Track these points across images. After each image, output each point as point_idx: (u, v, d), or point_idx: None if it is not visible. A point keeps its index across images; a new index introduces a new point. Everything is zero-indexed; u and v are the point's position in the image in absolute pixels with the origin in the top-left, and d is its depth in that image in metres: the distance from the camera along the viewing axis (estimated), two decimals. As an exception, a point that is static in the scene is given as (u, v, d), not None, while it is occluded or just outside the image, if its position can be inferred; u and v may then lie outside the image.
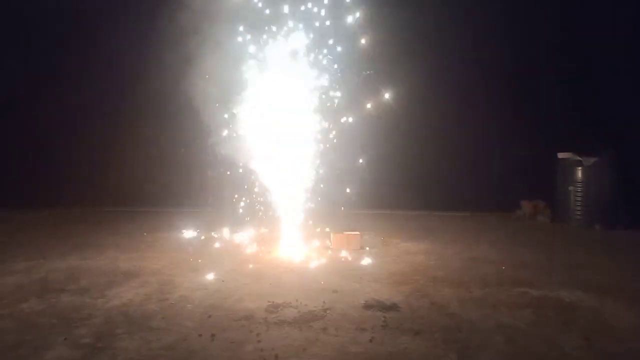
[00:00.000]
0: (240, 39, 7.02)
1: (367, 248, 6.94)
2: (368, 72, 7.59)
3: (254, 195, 7.30)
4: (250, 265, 6.13)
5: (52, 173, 10.21)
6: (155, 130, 9.67)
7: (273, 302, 4.80)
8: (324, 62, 7.09)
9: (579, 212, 8.61)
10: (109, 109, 10.29)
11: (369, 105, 7.49)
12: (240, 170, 7.08)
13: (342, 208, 7.42)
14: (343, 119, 7.21)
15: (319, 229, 7.39)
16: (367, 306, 4.73)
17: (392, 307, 4.70)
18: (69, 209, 10.01)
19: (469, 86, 9.40)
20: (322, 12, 7.01)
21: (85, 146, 10.40)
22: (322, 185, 7.03)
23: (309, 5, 7.02)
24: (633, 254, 7.02)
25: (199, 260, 6.31)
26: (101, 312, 4.52)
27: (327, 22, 7.04)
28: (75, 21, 9.71)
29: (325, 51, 7.09)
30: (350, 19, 7.06)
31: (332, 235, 7.01)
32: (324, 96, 7.07)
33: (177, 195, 9.42)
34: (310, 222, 7.14)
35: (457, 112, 9.27)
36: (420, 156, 9.33)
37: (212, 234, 7.64)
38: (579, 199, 8.63)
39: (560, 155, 8.87)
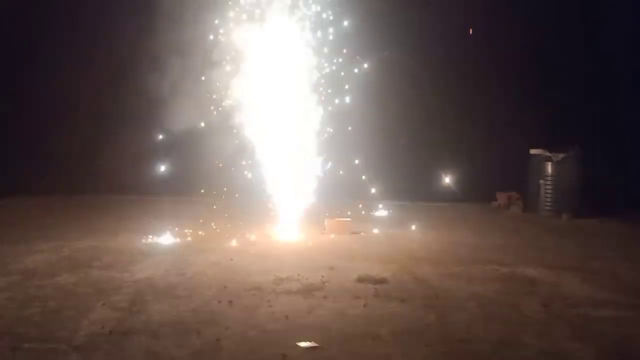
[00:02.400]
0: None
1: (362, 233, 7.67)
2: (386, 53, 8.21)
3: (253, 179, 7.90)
4: (255, 245, 6.82)
5: (52, 161, 10.54)
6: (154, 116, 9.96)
7: (278, 276, 5.50)
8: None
9: (548, 203, 9.46)
10: (105, 98, 10.45)
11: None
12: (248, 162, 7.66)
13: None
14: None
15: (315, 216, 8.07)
16: (360, 280, 5.47)
17: (382, 281, 5.44)
18: (71, 196, 10.42)
19: (452, 83, 10.13)
20: None
21: (84, 134, 10.68)
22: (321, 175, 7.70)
23: None
24: (593, 239, 7.88)
25: (207, 243, 6.97)
26: (129, 283, 5.17)
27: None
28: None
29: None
30: None
31: (326, 220, 7.71)
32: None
33: (182, 182, 9.89)
34: (308, 208, 7.82)
35: (440, 109, 10.02)
36: (404, 149, 10.05)
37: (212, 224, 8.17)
38: (548, 191, 9.47)
39: (532, 151, 9.71)
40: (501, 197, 10.09)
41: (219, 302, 4.72)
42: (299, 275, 5.56)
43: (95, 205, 9.56)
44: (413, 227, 8.23)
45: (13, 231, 7.34)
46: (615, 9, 9.99)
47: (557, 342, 4.08)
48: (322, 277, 5.52)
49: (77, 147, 10.49)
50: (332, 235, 7.52)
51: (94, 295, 4.82)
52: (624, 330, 4.34)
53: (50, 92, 10.29)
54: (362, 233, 7.72)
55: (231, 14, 7.53)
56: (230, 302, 4.71)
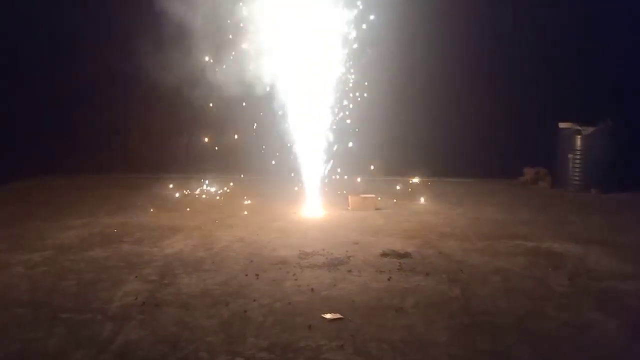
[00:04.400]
0: None
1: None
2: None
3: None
4: (280, 222, 6.93)
5: (79, 140, 10.73)
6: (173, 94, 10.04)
7: (303, 251, 5.59)
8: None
9: (577, 178, 9.29)
10: (127, 76, 10.49)
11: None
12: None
13: (359, 179, 8.15)
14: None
15: (338, 192, 8.13)
16: (384, 254, 5.52)
17: (405, 255, 5.48)
18: (99, 175, 10.65)
19: (476, 59, 9.92)
20: None
21: (107, 115, 10.82)
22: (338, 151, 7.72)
23: None
24: (621, 214, 7.74)
25: (233, 219, 7.10)
26: (159, 257, 5.34)
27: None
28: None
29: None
30: None
31: (349, 197, 7.76)
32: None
33: (204, 160, 10.06)
34: (331, 185, 7.87)
35: (466, 85, 9.83)
36: (431, 125, 9.92)
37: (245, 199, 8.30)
38: (577, 165, 9.29)
39: (561, 125, 9.49)
40: (529, 173, 9.94)
41: (246, 275, 4.84)
42: (323, 250, 5.64)
43: (123, 185, 9.77)
44: (437, 204, 8.19)
45: (44, 209, 7.59)
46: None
47: (580, 314, 4.08)
48: (347, 251, 5.59)
49: (104, 126, 10.64)
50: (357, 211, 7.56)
51: (125, 268, 5.00)
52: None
53: (75, 73, 10.40)
54: (386, 209, 7.73)
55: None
56: (256, 275, 4.83)
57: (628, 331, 3.81)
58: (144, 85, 9.56)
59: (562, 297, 4.43)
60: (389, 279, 4.78)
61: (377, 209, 7.69)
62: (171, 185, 9.16)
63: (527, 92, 9.85)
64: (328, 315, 3.99)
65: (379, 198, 8.00)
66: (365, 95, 8.00)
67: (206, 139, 10.10)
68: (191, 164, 10.22)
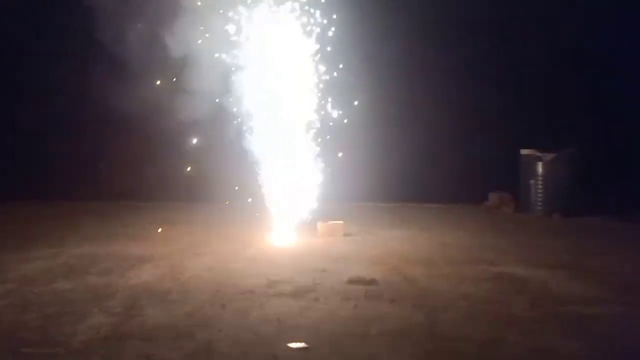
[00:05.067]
0: None
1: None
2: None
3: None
4: (248, 250, 6.92)
5: (48, 168, 10.58)
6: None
7: (271, 279, 5.60)
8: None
9: (539, 203, 9.59)
10: (97, 101, 10.42)
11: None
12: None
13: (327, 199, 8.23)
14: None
15: (307, 219, 8.16)
16: (351, 282, 5.56)
17: (372, 282, 5.54)
18: (67, 202, 10.43)
19: (442, 86, 10.25)
20: None
21: (75, 142, 10.73)
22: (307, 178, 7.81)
23: None
24: (583, 238, 7.99)
25: (202, 247, 7.06)
26: (125, 288, 5.26)
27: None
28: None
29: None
30: None
31: (318, 224, 7.81)
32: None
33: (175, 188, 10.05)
34: (299, 212, 7.90)
35: (433, 114, 10.12)
36: (396, 151, 10.12)
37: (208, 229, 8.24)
38: (539, 190, 9.60)
39: (523, 151, 9.83)
40: (493, 198, 10.21)
41: (212, 305, 4.81)
42: (291, 278, 5.66)
43: (91, 212, 9.61)
44: (404, 229, 8.32)
45: (11, 239, 7.41)
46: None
47: (546, 339, 4.18)
48: (314, 279, 5.62)
49: (74, 153, 10.55)
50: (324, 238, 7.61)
51: (90, 300, 4.91)
52: (615, 328, 4.43)
53: (46, 98, 10.32)
54: (355, 236, 7.80)
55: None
56: (223, 305, 4.81)
57: (593, 357, 3.91)
58: (114, 114, 9.57)
59: (525, 322, 4.53)
60: (354, 307, 4.83)
61: (345, 235, 7.75)
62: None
63: (491, 121, 10.18)
64: (293, 345, 3.99)
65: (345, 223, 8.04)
66: (331, 124, 8.11)
67: (187, 168, 10.02)
68: (162, 191, 10.15)
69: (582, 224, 8.93)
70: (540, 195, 9.58)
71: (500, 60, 10.26)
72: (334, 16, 7.71)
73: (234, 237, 7.63)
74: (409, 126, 10.15)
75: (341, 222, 7.89)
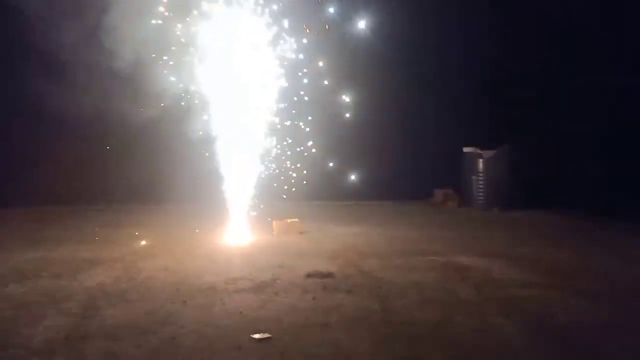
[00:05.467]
0: None
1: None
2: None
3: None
4: (204, 248, 6.96)
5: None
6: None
7: (230, 276, 5.69)
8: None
9: (480, 197, 10.15)
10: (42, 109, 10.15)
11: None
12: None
13: (284, 196, 8.39)
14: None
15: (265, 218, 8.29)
16: (309, 276, 5.75)
17: (329, 275, 5.75)
18: (13, 208, 10.10)
19: (392, 89, 10.63)
20: None
21: (21, 146, 10.42)
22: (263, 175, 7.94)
23: None
24: (520, 229, 8.58)
25: (156, 248, 7.03)
26: (80, 290, 5.21)
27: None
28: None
29: None
30: None
31: (274, 222, 7.95)
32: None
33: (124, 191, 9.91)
34: (254, 211, 8.02)
35: (382, 116, 10.48)
36: (348, 152, 10.43)
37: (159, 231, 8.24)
38: (480, 186, 10.16)
39: (465, 149, 10.38)
40: (438, 194, 10.71)
41: (173, 303, 4.86)
42: (249, 274, 5.78)
43: (35, 218, 9.31)
44: (357, 226, 8.61)
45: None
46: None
47: (486, 319, 4.54)
48: (273, 274, 5.77)
49: (16, 157, 10.17)
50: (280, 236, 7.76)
51: (45, 303, 4.83)
52: (544, 307, 4.86)
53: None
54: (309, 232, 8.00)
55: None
56: (184, 302, 4.87)
57: (527, 332, 4.29)
58: (56, 117, 9.31)
59: (470, 305, 4.89)
60: (313, 299, 5.02)
61: (301, 232, 7.94)
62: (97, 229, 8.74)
63: (436, 121, 10.68)
64: (257, 336, 4.13)
65: (300, 221, 8.23)
66: (288, 123, 8.28)
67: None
68: (112, 194, 9.96)
69: (517, 217, 9.54)
70: (481, 190, 10.15)
71: (443, 63, 10.79)
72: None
73: (188, 237, 7.63)
74: (360, 128, 10.42)
75: (296, 220, 8.06)
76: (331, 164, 9.41)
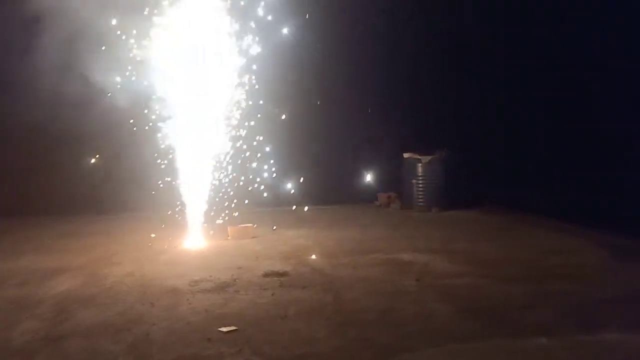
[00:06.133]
0: None
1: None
2: None
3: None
4: (164, 254, 7.30)
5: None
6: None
7: (192, 279, 6.10)
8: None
9: (420, 199, 10.97)
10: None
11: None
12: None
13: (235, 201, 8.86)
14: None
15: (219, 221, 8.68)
16: (266, 275, 6.26)
17: (284, 274, 6.28)
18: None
19: (337, 102, 11.23)
20: None
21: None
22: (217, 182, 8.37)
23: None
24: (457, 227, 9.40)
25: (117, 256, 7.29)
26: (49, 297, 5.47)
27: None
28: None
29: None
30: None
31: (229, 227, 8.38)
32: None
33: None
34: (212, 214, 8.40)
35: (329, 123, 11.05)
36: (296, 158, 10.86)
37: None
38: (420, 189, 10.99)
39: (405, 155, 11.19)
40: (382, 197, 11.45)
41: (142, 304, 5.23)
42: (210, 276, 6.20)
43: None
44: (308, 229, 9.16)
45: None
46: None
47: (426, 305, 5.22)
48: (232, 275, 6.22)
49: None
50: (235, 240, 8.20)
51: (16, 310, 5.08)
52: (475, 292, 5.62)
53: None
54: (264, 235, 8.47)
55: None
56: (152, 303, 5.25)
57: (461, 314, 4.99)
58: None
59: (412, 294, 5.56)
60: (272, 295, 5.53)
61: (254, 237, 8.40)
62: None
63: (378, 128, 11.37)
64: (224, 329, 4.59)
65: (255, 226, 8.68)
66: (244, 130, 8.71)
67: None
68: (64, 205, 9.98)
69: (453, 216, 10.41)
70: (420, 192, 10.97)
71: (382, 74, 11.51)
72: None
73: (147, 245, 7.90)
74: (309, 134, 10.92)
75: (250, 225, 8.52)
76: (273, 171, 9.82)
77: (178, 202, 8.24)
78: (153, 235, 8.22)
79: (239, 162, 8.89)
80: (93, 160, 9.96)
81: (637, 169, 8.66)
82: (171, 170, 8.28)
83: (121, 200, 9.94)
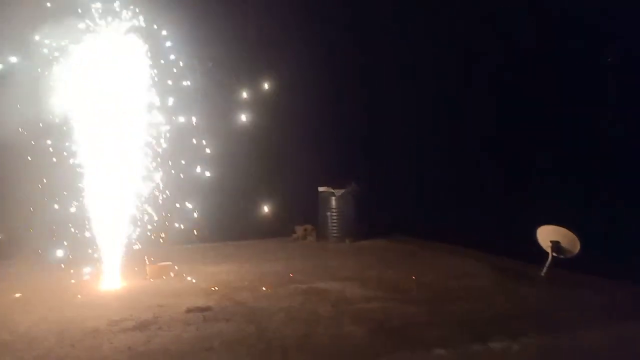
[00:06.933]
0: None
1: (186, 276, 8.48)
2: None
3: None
4: (79, 296, 7.18)
5: None
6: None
7: (111, 319, 6.10)
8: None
9: (335, 231, 11.56)
10: None
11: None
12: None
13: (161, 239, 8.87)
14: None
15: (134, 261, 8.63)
16: (189, 310, 6.40)
17: (207, 309, 6.47)
18: None
19: (255, 137, 11.62)
20: None
21: None
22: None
23: None
24: (368, 256, 10.04)
25: (28, 301, 7.04)
26: (-42, 347, 5.24)
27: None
28: None
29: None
30: None
31: (147, 266, 8.37)
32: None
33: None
34: (129, 253, 8.36)
35: (245, 159, 11.39)
36: (213, 194, 11.06)
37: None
38: (334, 221, 11.59)
39: (320, 189, 11.80)
40: (299, 230, 11.91)
41: (61, 347, 5.20)
42: (131, 315, 6.24)
43: None
44: (228, 264, 9.34)
45: None
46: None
47: (342, 328, 5.67)
48: (154, 313, 6.30)
49: None
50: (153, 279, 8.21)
51: None
52: (385, 314, 6.17)
53: None
54: (183, 274, 8.53)
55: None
56: (72, 345, 5.23)
57: (373, 333, 5.49)
58: None
59: (328, 319, 6.00)
60: (196, 329, 5.71)
61: (174, 274, 8.45)
62: None
63: (294, 164, 11.90)
64: (150, 364, 4.73)
65: (176, 267, 8.72)
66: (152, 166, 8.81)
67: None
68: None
69: (365, 246, 11.08)
70: (335, 225, 11.57)
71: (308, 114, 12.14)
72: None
73: (59, 287, 7.69)
74: (223, 169, 11.13)
75: (169, 262, 8.56)
76: (191, 207, 9.96)
77: (90, 241, 8.11)
78: (73, 281, 8.02)
79: (153, 199, 8.97)
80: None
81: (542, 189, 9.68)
82: (81, 207, 8.16)
83: (23, 243, 9.40)
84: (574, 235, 7.63)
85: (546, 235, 7.87)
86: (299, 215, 12.05)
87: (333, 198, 11.66)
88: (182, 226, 9.60)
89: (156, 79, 8.69)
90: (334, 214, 11.62)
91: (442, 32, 11.54)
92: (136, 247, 8.74)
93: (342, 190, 11.71)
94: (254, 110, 11.63)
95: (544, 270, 7.67)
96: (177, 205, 9.36)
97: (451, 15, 11.31)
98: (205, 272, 8.66)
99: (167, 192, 9.13)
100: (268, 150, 11.79)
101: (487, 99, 11.16)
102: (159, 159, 8.91)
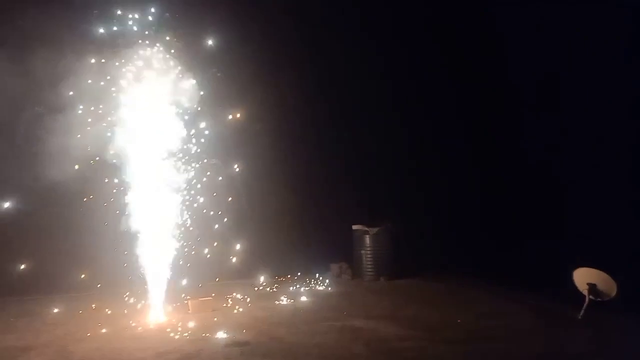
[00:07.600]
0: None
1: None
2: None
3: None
4: (133, 325, 7.63)
5: None
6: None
7: (158, 351, 6.52)
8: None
9: (369, 269, 11.75)
10: None
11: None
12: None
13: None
14: None
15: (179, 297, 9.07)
16: (227, 345, 6.76)
17: (245, 344, 6.80)
18: None
19: (292, 177, 12.06)
20: None
21: None
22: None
23: None
24: (402, 295, 10.16)
25: (80, 333, 7.54)
26: (22, 374, 5.72)
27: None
28: None
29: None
30: None
31: (189, 301, 8.79)
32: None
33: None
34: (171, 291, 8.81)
35: (283, 200, 11.80)
36: (262, 234, 11.42)
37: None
38: (368, 259, 11.79)
39: (354, 227, 12.07)
40: (334, 268, 12.16)
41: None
42: (175, 348, 6.64)
43: None
44: (266, 300, 9.68)
45: None
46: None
47: (375, 367, 5.87)
48: (196, 347, 6.67)
49: None
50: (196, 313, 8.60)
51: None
52: (418, 354, 6.34)
53: None
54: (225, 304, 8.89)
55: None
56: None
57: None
58: None
59: (362, 356, 6.21)
60: (235, 363, 6.03)
61: (214, 309, 8.82)
62: None
63: (328, 203, 12.26)
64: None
65: (214, 295, 9.09)
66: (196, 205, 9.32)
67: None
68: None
69: (400, 285, 11.19)
70: (369, 262, 11.77)
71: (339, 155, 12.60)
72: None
73: (108, 321, 8.16)
74: (263, 211, 11.57)
75: (210, 298, 8.96)
76: (237, 245, 10.40)
77: (132, 277, 8.59)
78: (109, 311, 8.52)
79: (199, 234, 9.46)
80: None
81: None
82: (130, 244, 8.64)
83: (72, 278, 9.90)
84: (611, 278, 7.63)
85: (583, 277, 7.89)
86: (335, 252, 12.31)
87: (367, 236, 11.89)
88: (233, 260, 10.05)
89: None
90: (369, 252, 11.83)
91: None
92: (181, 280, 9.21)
93: (377, 229, 11.93)
94: (291, 150, 12.10)
95: (582, 312, 7.66)
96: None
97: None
98: (243, 308, 8.99)
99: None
100: (305, 190, 12.15)
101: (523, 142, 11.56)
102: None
